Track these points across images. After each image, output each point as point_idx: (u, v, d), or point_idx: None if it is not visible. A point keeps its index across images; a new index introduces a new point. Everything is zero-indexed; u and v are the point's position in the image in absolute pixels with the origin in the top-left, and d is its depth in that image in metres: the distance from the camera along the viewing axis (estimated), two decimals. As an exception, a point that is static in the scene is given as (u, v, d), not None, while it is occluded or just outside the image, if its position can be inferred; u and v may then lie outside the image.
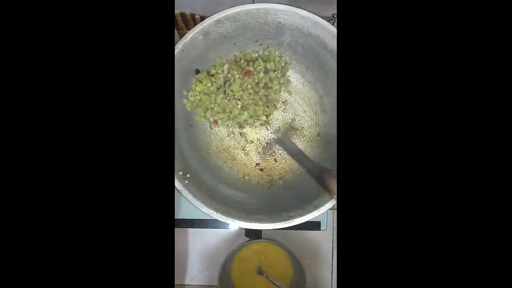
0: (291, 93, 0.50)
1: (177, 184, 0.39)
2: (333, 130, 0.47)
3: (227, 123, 0.48)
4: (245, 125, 0.49)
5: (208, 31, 0.43)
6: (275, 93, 0.48)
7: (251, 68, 0.47)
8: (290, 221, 0.40)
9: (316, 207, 0.40)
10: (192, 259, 0.57)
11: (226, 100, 0.46)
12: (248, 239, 0.54)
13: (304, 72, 0.49)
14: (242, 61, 0.47)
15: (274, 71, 0.48)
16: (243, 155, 0.50)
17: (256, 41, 0.47)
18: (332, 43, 0.42)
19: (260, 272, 0.54)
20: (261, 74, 0.47)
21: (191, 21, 0.49)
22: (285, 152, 0.49)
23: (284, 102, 0.50)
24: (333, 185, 0.36)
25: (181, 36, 0.42)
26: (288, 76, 0.49)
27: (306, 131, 0.50)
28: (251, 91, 0.46)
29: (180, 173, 0.41)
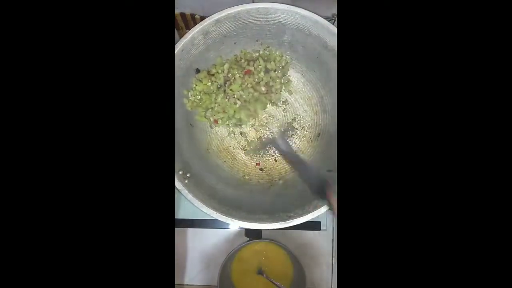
0: (292, 93, 0.50)
1: (177, 183, 0.39)
2: (334, 130, 0.47)
3: (227, 122, 0.48)
4: (243, 124, 0.49)
5: (208, 31, 0.43)
6: (276, 93, 0.48)
7: (252, 68, 0.46)
8: (290, 221, 0.40)
9: (316, 207, 0.40)
10: (192, 259, 0.57)
11: (226, 100, 0.46)
12: (248, 239, 0.54)
13: (304, 72, 0.49)
14: (243, 60, 0.47)
15: (274, 71, 0.48)
16: (243, 155, 0.50)
17: (257, 41, 0.47)
18: (333, 42, 0.42)
19: (260, 272, 0.54)
20: (262, 74, 0.47)
21: (191, 21, 0.49)
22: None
23: (285, 102, 0.50)
24: (334, 200, 0.34)
25: (181, 36, 0.42)
26: (289, 75, 0.49)
27: (306, 131, 0.50)
28: (251, 90, 0.46)
29: (180, 172, 0.41)
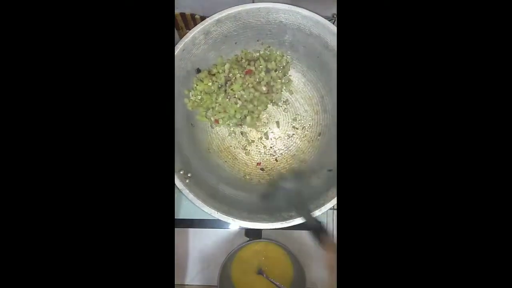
0: (292, 93, 0.50)
1: (178, 183, 0.39)
2: (334, 130, 0.47)
3: (228, 122, 0.48)
4: (248, 127, 0.49)
5: (209, 31, 0.43)
6: (277, 93, 0.48)
7: (253, 68, 0.46)
8: (290, 221, 0.40)
9: (316, 207, 0.40)
10: (192, 259, 0.57)
11: (227, 100, 0.46)
12: (248, 239, 0.54)
13: (305, 72, 0.49)
14: (244, 60, 0.47)
15: (275, 71, 0.48)
16: (244, 155, 0.50)
17: (258, 41, 0.47)
18: (333, 42, 0.42)
19: (260, 272, 0.54)
20: (262, 74, 0.47)
21: (191, 21, 0.49)
22: (286, 152, 0.49)
23: (285, 102, 0.50)
24: (329, 249, 0.33)
25: (181, 36, 0.42)
26: (290, 75, 0.49)
27: (307, 131, 0.50)
28: (252, 90, 0.46)
29: (181, 172, 0.41)
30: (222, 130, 0.50)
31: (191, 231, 0.58)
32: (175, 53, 0.41)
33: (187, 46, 0.42)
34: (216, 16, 0.42)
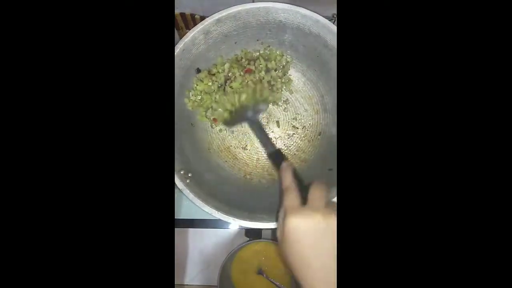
0: (292, 92, 0.50)
1: (179, 183, 0.39)
2: (335, 129, 0.47)
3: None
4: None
5: (209, 30, 0.43)
6: (277, 92, 0.48)
7: (252, 67, 0.46)
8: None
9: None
10: (192, 259, 0.57)
11: (225, 97, 0.46)
12: (248, 239, 0.54)
13: (305, 71, 0.49)
14: (243, 60, 0.47)
15: (275, 70, 0.48)
16: (244, 154, 0.50)
17: (257, 40, 0.47)
18: (333, 41, 0.42)
19: (260, 272, 0.54)
20: (262, 73, 0.47)
21: (191, 21, 0.49)
22: (286, 151, 0.49)
23: (285, 101, 0.50)
24: (284, 176, 0.32)
25: (181, 36, 0.42)
26: (289, 75, 0.49)
27: (307, 130, 0.50)
28: (252, 87, 0.46)
29: (181, 172, 0.41)
30: (222, 130, 0.50)
31: (191, 231, 0.58)
32: (175, 53, 0.41)
33: (187, 46, 0.42)
34: (216, 16, 0.42)
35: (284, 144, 0.50)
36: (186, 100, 0.46)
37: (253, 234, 0.55)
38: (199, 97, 0.46)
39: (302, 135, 0.50)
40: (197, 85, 0.46)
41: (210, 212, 0.40)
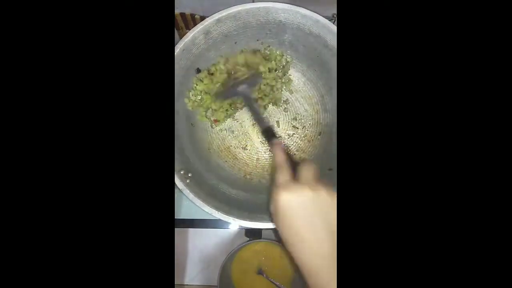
0: (292, 92, 0.50)
1: (179, 183, 0.39)
2: (335, 129, 0.47)
3: (222, 111, 0.48)
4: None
5: (209, 30, 0.43)
6: (277, 92, 0.48)
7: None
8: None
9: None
10: (192, 259, 0.57)
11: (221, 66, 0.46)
12: (248, 239, 0.54)
13: (305, 71, 0.49)
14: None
15: (275, 70, 0.48)
16: (244, 154, 0.50)
17: (257, 40, 0.47)
18: (333, 41, 0.42)
19: (260, 272, 0.54)
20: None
21: (191, 21, 0.49)
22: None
23: (285, 101, 0.50)
24: (276, 154, 0.33)
25: (181, 36, 0.42)
26: (289, 75, 0.49)
27: (307, 130, 0.50)
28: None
29: (181, 172, 0.41)
30: (222, 130, 0.50)
31: (191, 231, 0.58)
32: (175, 53, 0.41)
33: (187, 46, 0.42)
34: (216, 16, 0.42)
35: (284, 144, 0.50)
36: (186, 100, 0.46)
37: (253, 234, 0.55)
38: (199, 97, 0.46)
39: (302, 135, 0.50)
40: (197, 85, 0.46)
41: (210, 212, 0.40)
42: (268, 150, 0.50)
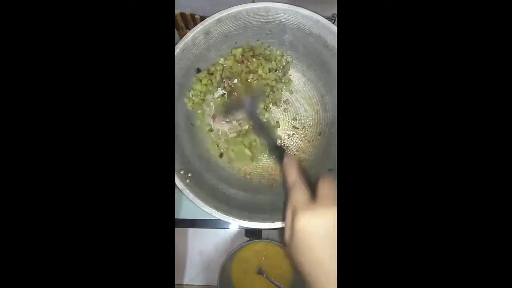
0: (292, 92, 0.50)
1: (179, 183, 0.39)
2: (335, 129, 0.47)
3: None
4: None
5: (209, 30, 0.43)
6: (277, 92, 0.48)
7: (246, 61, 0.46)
8: (291, 220, 0.40)
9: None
10: (192, 259, 0.57)
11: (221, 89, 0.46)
12: (248, 239, 0.54)
13: (305, 71, 0.49)
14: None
15: (275, 70, 0.48)
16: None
17: (258, 40, 0.47)
18: (333, 41, 0.42)
19: (260, 272, 0.54)
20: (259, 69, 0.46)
21: (191, 21, 0.49)
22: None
23: (285, 102, 0.50)
24: (289, 173, 0.30)
25: (181, 36, 0.42)
26: (289, 75, 0.49)
27: (307, 130, 0.50)
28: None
29: (181, 172, 0.41)
30: (222, 130, 0.50)
31: (191, 231, 0.58)
32: (175, 53, 0.41)
33: (187, 46, 0.42)
34: (217, 16, 0.42)
35: (284, 144, 0.50)
36: (186, 100, 0.46)
37: (253, 234, 0.55)
38: (199, 97, 0.46)
39: (302, 135, 0.50)
40: (196, 84, 0.46)
41: (210, 212, 0.40)
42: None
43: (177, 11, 0.48)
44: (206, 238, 0.57)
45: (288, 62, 0.49)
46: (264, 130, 0.40)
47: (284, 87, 0.49)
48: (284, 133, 0.50)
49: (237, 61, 0.46)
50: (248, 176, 0.49)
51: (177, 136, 0.43)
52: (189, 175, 0.41)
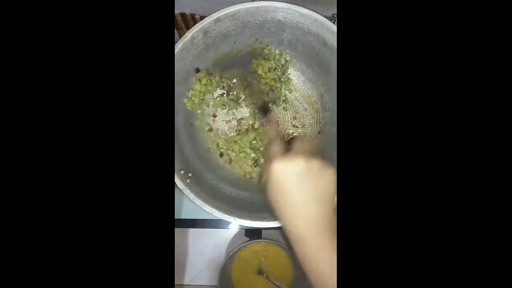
0: (292, 91, 0.50)
1: (179, 183, 0.39)
2: (334, 128, 0.47)
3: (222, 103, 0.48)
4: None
5: (208, 30, 0.43)
6: (276, 91, 0.48)
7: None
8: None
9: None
10: (192, 259, 0.57)
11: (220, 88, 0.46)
12: (248, 239, 0.54)
13: (304, 70, 0.49)
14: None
15: (274, 69, 0.48)
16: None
17: (256, 40, 0.47)
18: (332, 40, 0.42)
19: (260, 272, 0.54)
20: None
21: (191, 21, 0.49)
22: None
23: (285, 100, 0.50)
24: (270, 129, 0.35)
25: (181, 36, 0.42)
26: (289, 74, 0.49)
27: (307, 129, 0.50)
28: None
29: (181, 172, 0.41)
30: (222, 130, 0.50)
31: (191, 231, 0.57)
32: (175, 53, 0.41)
33: (186, 46, 0.42)
34: (215, 15, 0.41)
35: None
36: (185, 100, 0.46)
37: (253, 234, 0.55)
38: (199, 97, 0.46)
39: (302, 134, 0.50)
40: (196, 84, 0.46)
41: (211, 212, 0.40)
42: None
43: (177, 11, 0.48)
44: (206, 238, 0.57)
45: (287, 61, 0.49)
46: (253, 87, 0.42)
47: (283, 86, 0.49)
48: (284, 132, 0.50)
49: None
50: (248, 176, 0.49)
51: (177, 136, 0.43)
52: (189, 175, 0.41)
